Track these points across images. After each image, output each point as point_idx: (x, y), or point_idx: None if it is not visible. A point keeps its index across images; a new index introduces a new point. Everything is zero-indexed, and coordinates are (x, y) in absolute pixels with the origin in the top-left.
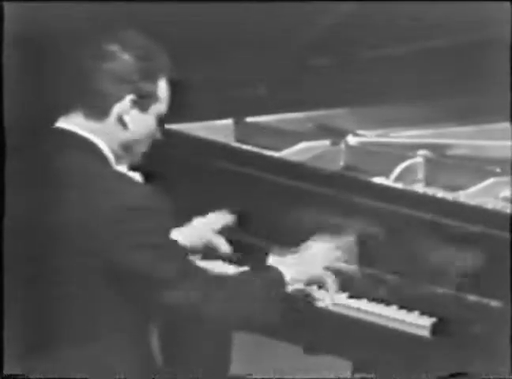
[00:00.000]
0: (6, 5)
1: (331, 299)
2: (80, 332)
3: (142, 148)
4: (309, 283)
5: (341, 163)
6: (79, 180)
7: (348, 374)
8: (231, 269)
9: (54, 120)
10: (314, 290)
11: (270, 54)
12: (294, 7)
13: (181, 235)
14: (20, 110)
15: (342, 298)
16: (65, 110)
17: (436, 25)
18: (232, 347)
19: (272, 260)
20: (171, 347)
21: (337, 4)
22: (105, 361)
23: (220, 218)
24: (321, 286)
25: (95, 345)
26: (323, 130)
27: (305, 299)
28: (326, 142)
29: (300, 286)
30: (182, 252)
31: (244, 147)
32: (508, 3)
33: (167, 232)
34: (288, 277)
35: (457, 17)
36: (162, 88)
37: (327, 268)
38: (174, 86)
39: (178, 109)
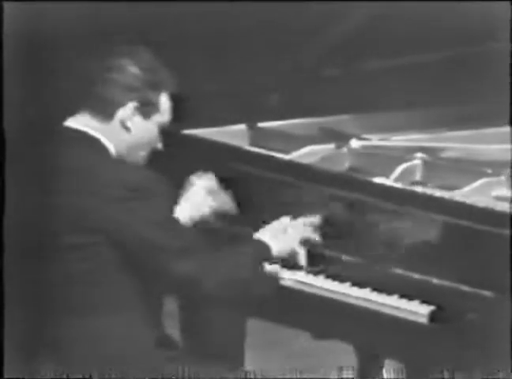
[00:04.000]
0: (6, 5)
1: (295, 274)
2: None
3: (143, 153)
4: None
5: (346, 165)
6: (85, 169)
7: (352, 358)
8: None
9: (60, 120)
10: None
11: (282, 66)
12: (305, 18)
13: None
14: (19, 110)
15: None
16: (72, 111)
17: (435, 35)
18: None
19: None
20: (190, 329)
21: (347, 15)
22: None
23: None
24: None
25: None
26: (329, 135)
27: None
28: (331, 146)
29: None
30: (184, 229)
31: (255, 149)
32: (508, 3)
33: (168, 211)
34: (274, 250)
35: (456, 25)
36: (164, 100)
37: (301, 242)
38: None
39: (196, 115)
